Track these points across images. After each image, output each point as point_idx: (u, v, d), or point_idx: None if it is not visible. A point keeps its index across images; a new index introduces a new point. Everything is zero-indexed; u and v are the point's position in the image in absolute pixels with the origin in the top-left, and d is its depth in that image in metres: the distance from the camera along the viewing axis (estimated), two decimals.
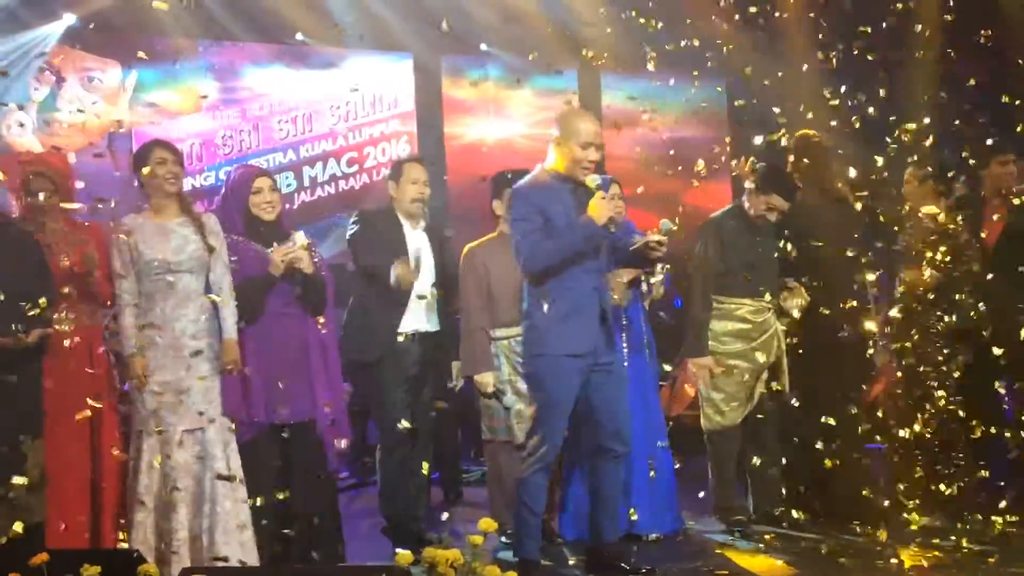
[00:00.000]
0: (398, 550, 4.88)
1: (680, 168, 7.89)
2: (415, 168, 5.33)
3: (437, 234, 5.42)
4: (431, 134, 9.55)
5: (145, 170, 4.54)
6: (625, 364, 5.16)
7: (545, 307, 4.56)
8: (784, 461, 5.49)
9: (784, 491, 5.49)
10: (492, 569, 3.35)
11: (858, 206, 5.53)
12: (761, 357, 5.42)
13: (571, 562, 4.99)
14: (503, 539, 5.22)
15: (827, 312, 5.38)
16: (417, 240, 5.26)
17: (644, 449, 5.32)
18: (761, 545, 5.16)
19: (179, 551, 4.34)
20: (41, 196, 4.49)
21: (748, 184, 5.48)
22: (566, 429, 4.64)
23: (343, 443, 4.94)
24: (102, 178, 6.97)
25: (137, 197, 4.73)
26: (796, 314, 5.42)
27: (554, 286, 4.57)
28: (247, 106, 9.03)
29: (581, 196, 4.57)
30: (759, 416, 5.50)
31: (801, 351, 5.49)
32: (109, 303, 4.59)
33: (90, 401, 4.44)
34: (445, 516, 5.35)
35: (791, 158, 5.66)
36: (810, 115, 5.83)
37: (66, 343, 4.46)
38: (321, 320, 4.83)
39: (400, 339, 5.11)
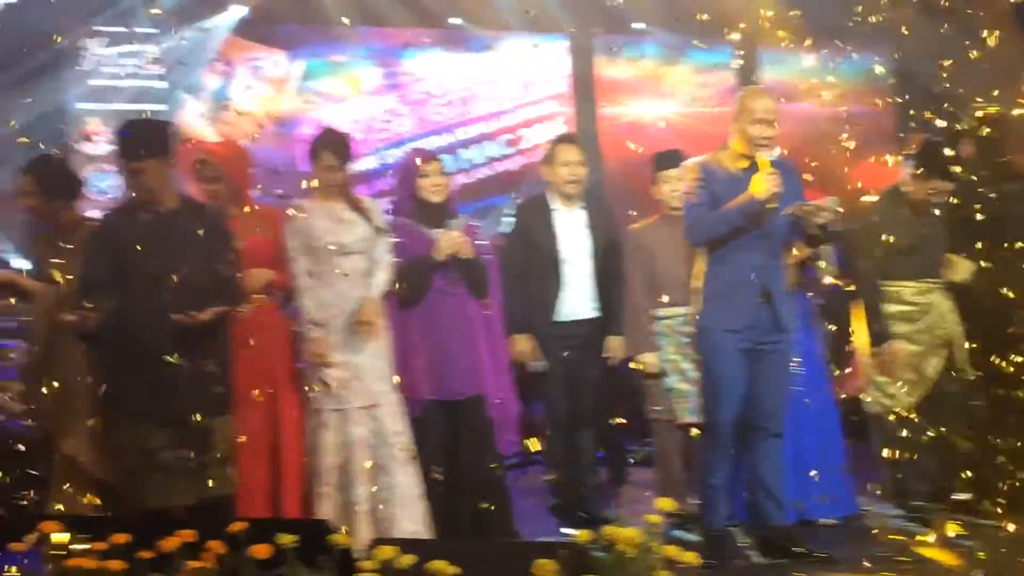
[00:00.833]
0: (570, 529, 5.06)
1: (843, 147, 7.70)
2: (567, 149, 5.35)
3: (597, 214, 5.41)
4: (586, 114, 9.54)
5: (316, 163, 4.68)
6: (792, 346, 5.06)
7: (706, 281, 4.62)
8: (965, 445, 5.30)
9: (965, 475, 5.31)
10: (670, 548, 3.34)
11: None
12: (927, 338, 5.26)
13: (744, 543, 4.94)
14: (673, 520, 5.21)
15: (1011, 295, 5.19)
16: (572, 221, 5.28)
17: (815, 433, 5.22)
18: (941, 531, 5.00)
19: (358, 524, 4.48)
20: (209, 183, 4.65)
21: (908, 167, 5.32)
22: (736, 404, 4.62)
23: (499, 420, 4.99)
24: (272, 165, 7.26)
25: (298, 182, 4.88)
26: (966, 279, 5.26)
27: (716, 261, 4.64)
28: (406, 91, 9.19)
29: (751, 173, 4.53)
30: (936, 397, 5.32)
31: (987, 333, 5.30)
32: (286, 285, 4.74)
33: (268, 382, 4.61)
34: (614, 494, 5.37)
35: (979, 136, 5.46)
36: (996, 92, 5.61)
37: (250, 323, 4.61)
38: (486, 301, 4.91)
39: (559, 326, 5.14)
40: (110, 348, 4.10)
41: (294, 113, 8.92)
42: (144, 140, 4.13)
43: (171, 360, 3.99)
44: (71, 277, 4.22)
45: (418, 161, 4.89)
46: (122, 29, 8.66)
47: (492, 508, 4.85)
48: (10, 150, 8.16)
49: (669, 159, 5.35)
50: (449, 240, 4.75)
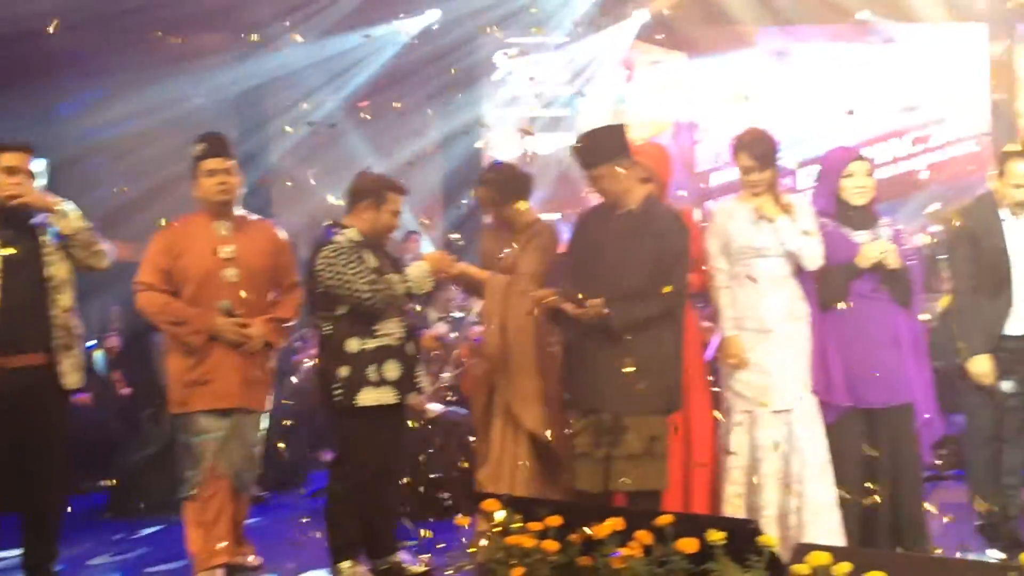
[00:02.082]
0: (997, 551, 4.75)
1: None
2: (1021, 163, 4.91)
3: None
4: (1005, 112, 8.89)
5: (736, 164, 4.68)
6: None
7: None
8: None
9: None
10: None
11: None
12: None
13: None
14: None
15: None
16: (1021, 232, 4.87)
17: None
18: None
19: (767, 529, 4.43)
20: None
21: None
22: None
23: (934, 435, 4.75)
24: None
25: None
26: None
27: None
28: (806, 88, 9.01)
29: None
30: None
31: None
32: (702, 285, 4.79)
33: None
34: None
35: None
36: None
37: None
38: (910, 309, 4.69)
39: (1007, 340, 4.78)
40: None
41: (693, 114, 9.03)
42: (597, 148, 4.29)
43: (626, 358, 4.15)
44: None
45: (844, 161, 4.74)
46: (532, 40, 9.15)
47: (907, 522, 4.64)
48: (429, 160, 8.95)
49: None
50: (875, 248, 4.56)
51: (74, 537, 4.75)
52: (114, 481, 5.98)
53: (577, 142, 4.35)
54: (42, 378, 4.13)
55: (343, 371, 4.34)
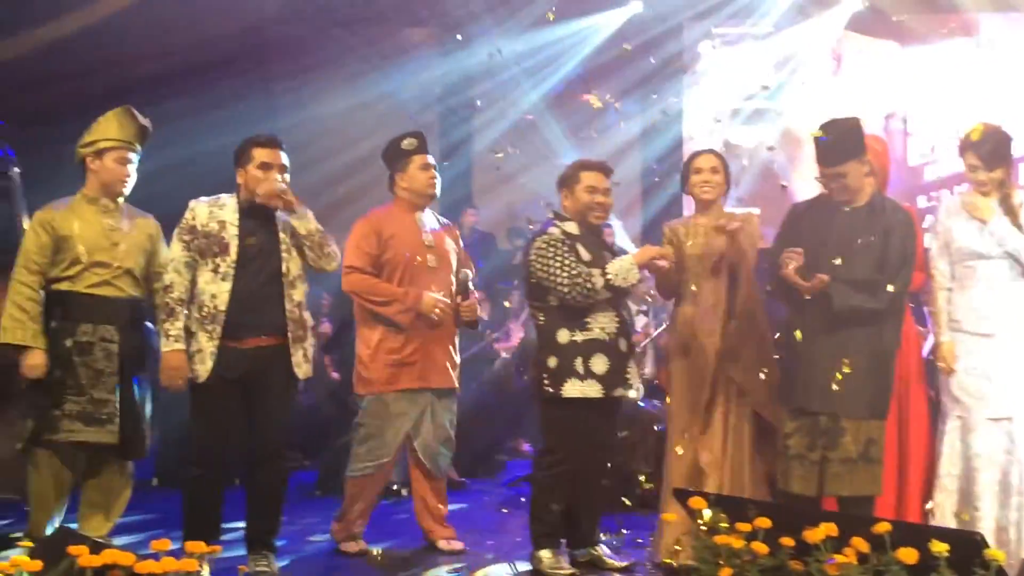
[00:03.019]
0: None
1: None
2: None
3: None
4: None
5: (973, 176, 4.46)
6: None
7: None
8: None
9: None
10: None
11: None
12: None
13: None
14: None
15: None
16: None
17: None
18: None
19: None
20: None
21: None
22: None
23: None
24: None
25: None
26: None
27: None
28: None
29: None
30: None
31: None
32: (922, 285, 4.61)
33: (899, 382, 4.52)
34: None
35: None
36: None
37: None
38: None
39: None
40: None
41: (905, 106, 8.68)
42: (842, 144, 4.17)
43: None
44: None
45: None
46: (738, 30, 8.99)
47: None
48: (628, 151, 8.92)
49: None
50: None
51: (293, 511, 4.94)
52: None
53: (819, 137, 4.21)
54: (276, 359, 4.30)
55: (551, 361, 4.38)
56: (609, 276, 4.34)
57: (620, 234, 8.25)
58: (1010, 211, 4.35)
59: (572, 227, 4.51)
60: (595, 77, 8.71)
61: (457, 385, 4.89)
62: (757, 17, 8.62)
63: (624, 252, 4.65)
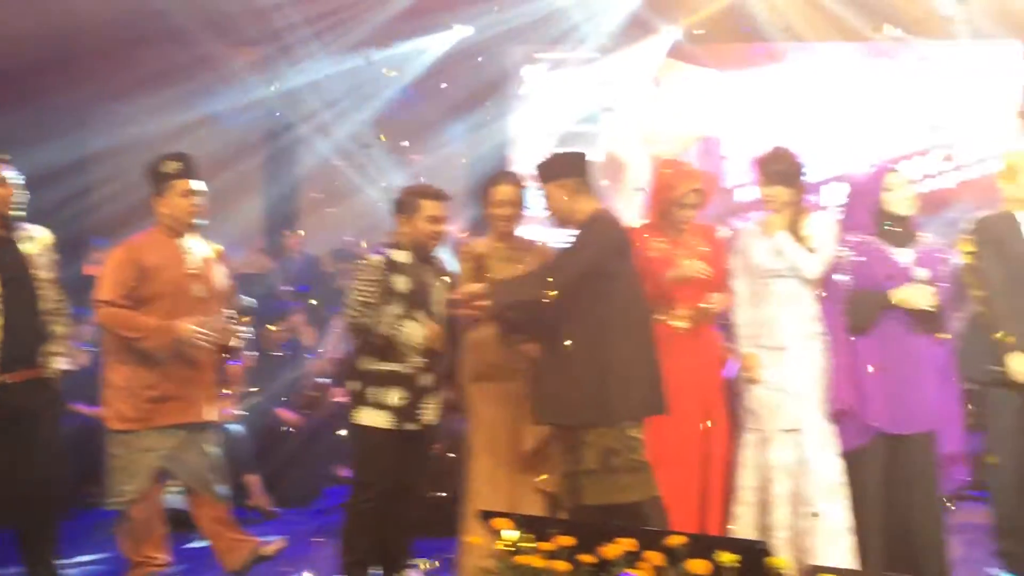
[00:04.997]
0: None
1: None
2: None
3: None
4: None
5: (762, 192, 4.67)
6: None
7: None
8: None
9: None
10: None
11: None
12: None
13: None
14: None
15: None
16: None
17: None
18: None
19: (779, 551, 4.38)
20: (691, 210, 4.76)
21: None
22: None
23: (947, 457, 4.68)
24: None
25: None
26: None
27: None
28: (840, 105, 8.95)
29: None
30: None
31: None
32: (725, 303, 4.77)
33: (701, 397, 4.67)
34: None
35: None
36: None
37: (681, 336, 4.68)
38: (940, 335, 4.63)
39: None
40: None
41: (720, 131, 8.99)
42: (543, 168, 4.39)
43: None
44: None
45: (880, 174, 4.70)
46: (561, 55, 9.15)
47: (926, 549, 4.57)
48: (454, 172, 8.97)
49: None
50: (909, 298, 4.51)
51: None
52: None
53: (538, 161, 4.46)
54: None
55: (352, 385, 4.38)
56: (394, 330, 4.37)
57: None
58: (795, 230, 4.57)
59: (402, 256, 4.52)
60: (421, 100, 8.75)
61: (218, 417, 4.76)
62: (576, 42, 8.80)
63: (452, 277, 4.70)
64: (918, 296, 4.50)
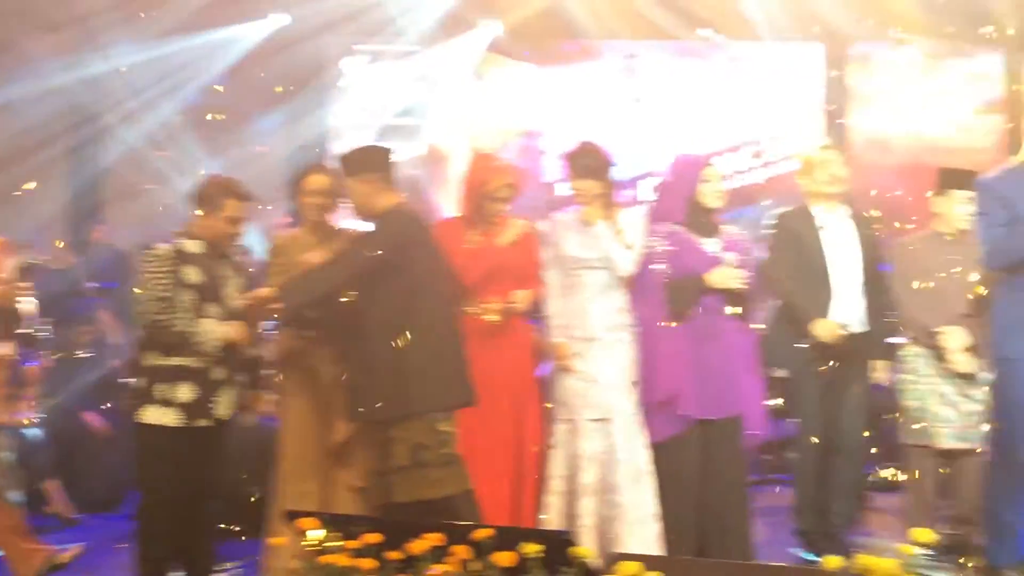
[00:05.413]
0: (811, 555, 4.88)
1: None
2: (827, 155, 5.17)
3: (861, 223, 5.18)
4: (837, 124, 9.21)
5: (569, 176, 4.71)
6: None
7: (1007, 305, 4.28)
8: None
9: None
10: None
11: None
12: None
13: None
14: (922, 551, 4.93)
15: None
16: (839, 230, 5.07)
17: None
18: None
19: (586, 539, 4.45)
20: (503, 204, 4.78)
21: None
22: None
23: (756, 442, 4.86)
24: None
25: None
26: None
27: (1017, 287, 4.27)
28: (653, 101, 9.16)
29: None
30: None
31: None
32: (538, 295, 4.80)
33: (513, 389, 4.70)
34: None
35: None
36: None
37: (493, 328, 4.70)
38: (748, 323, 4.80)
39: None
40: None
41: (542, 126, 9.07)
42: (348, 161, 4.38)
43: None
44: None
45: (700, 166, 4.83)
46: (381, 47, 9.05)
47: (732, 531, 4.73)
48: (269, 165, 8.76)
49: (961, 177, 5.05)
50: (723, 277, 4.65)
51: None
52: None
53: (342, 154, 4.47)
54: None
55: (136, 382, 4.21)
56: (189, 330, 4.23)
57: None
58: (609, 223, 4.64)
59: (194, 246, 4.35)
60: (236, 90, 8.50)
61: (9, 420, 4.60)
62: (393, 35, 8.71)
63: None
64: (731, 277, 4.65)
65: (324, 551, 3.44)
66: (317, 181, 4.63)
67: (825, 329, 4.92)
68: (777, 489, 5.95)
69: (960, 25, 8.17)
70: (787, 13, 8.49)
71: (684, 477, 4.65)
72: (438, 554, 3.32)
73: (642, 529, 4.51)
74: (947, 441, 4.94)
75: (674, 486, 4.63)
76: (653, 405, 4.66)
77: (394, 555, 3.36)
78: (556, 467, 4.62)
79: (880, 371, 5.12)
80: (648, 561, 3.15)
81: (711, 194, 4.77)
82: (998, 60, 9.14)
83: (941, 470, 5.04)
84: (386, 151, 4.50)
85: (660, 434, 4.66)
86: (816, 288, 4.98)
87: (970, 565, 4.78)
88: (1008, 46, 8.68)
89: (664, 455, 4.65)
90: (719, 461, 4.71)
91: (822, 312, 4.96)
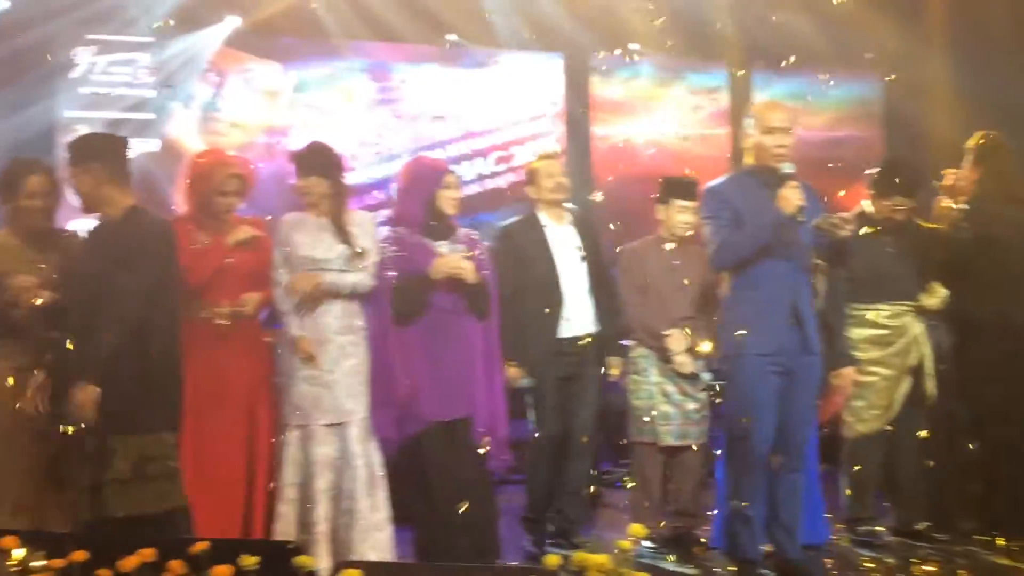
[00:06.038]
0: (547, 553, 4.98)
1: (833, 167, 7.80)
2: (549, 164, 5.33)
3: (586, 231, 5.36)
4: (580, 133, 9.52)
5: (299, 176, 4.64)
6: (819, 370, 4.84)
7: (733, 304, 4.59)
8: (938, 473, 5.29)
9: (937, 505, 5.29)
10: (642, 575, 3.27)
11: None
12: (899, 362, 5.25)
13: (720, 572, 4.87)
14: (648, 544, 5.17)
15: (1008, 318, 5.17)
16: (564, 238, 5.24)
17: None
18: (903, 559, 5.00)
19: (319, 546, 4.40)
20: (233, 198, 4.64)
21: (871, 186, 5.35)
22: (772, 429, 4.57)
23: (491, 440, 4.92)
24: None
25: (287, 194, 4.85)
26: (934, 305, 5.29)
27: (742, 282, 4.59)
28: (399, 106, 9.16)
29: (774, 188, 4.47)
30: (901, 423, 5.30)
31: (976, 358, 5.26)
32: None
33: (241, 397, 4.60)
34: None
35: (971, 158, 5.44)
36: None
37: (224, 332, 4.56)
38: (487, 321, 4.84)
39: (558, 343, 5.09)
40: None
41: (286, 125, 8.89)
42: (74, 149, 4.20)
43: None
44: None
45: (441, 172, 4.82)
46: (115, 38, 8.61)
47: (477, 530, 4.77)
48: None
49: (682, 187, 5.30)
50: (447, 263, 4.66)
51: None
52: None
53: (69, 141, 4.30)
54: None
55: None
56: None
57: None
58: (339, 224, 4.58)
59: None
60: None
61: None
62: (122, 24, 8.29)
63: None
64: (453, 260, 4.65)
65: (26, 572, 3.24)
66: (36, 182, 4.35)
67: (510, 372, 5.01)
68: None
69: (681, 41, 8.62)
70: (529, 24, 8.70)
71: (427, 477, 4.65)
72: (152, 570, 3.18)
73: (376, 535, 4.49)
74: (669, 439, 5.18)
75: (417, 487, 4.63)
76: (389, 407, 4.64)
77: (103, 573, 3.20)
78: (289, 475, 4.52)
79: (614, 368, 5.31)
80: (370, 568, 3.14)
81: (448, 200, 4.79)
82: (724, 76, 9.72)
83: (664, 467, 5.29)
84: (120, 141, 4.29)
85: (398, 435, 4.64)
86: (546, 294, 5.11)
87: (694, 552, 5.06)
88: (729, 62, 9.23)
89: (404, 456, 4.65)
90: (460, 461, 4.74)
91: (554, 317, 5.10)
